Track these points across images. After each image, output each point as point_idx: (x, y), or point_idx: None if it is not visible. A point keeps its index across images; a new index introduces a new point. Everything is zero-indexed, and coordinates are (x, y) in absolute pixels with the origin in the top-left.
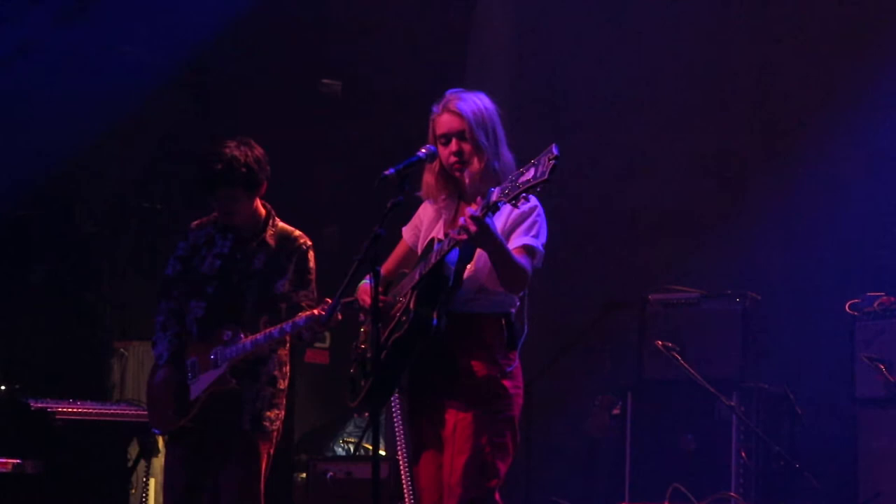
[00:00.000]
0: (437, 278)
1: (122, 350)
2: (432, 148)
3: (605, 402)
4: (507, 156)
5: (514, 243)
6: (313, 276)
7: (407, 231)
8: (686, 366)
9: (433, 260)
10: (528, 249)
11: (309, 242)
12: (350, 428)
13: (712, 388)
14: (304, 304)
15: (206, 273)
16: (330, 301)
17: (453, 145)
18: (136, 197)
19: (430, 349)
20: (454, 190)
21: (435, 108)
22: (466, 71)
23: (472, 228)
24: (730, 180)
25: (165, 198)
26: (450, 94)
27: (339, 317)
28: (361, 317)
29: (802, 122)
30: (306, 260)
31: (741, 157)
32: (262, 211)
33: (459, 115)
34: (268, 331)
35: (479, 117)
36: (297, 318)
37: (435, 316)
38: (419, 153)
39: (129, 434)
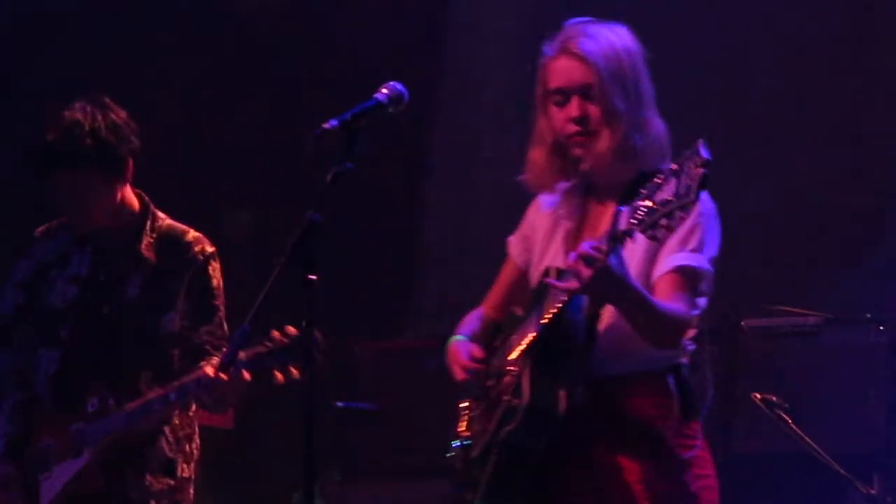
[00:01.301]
0: (559, 339)
1: None
2: (398, 86)
3: None
4: (656, 125)
5: (663, 266)
6: (220, 301)
7: (514, 244)
8: (800, 433)
9: (548, 315)
10: (685, 275)
11: (210, 249)
12: None
13: (842, 469)
14: (207, 348)
15: (56, 307)
16: (278, 336)
17: (574, 107)
18: None
19: (564, 443)
20: (578, 178)
21: (547, 49)
22: None
23: (585, 273)
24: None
25: None
26: (571, 25)
27: (247, 376)
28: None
29: None
30: (206, 277)
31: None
32: (135, 204)
33: (584, 59)
34: (146, 399)
35: (615, 64)
36: (184, 380)
37: (562, 397)
38: (377, 95)
39: None
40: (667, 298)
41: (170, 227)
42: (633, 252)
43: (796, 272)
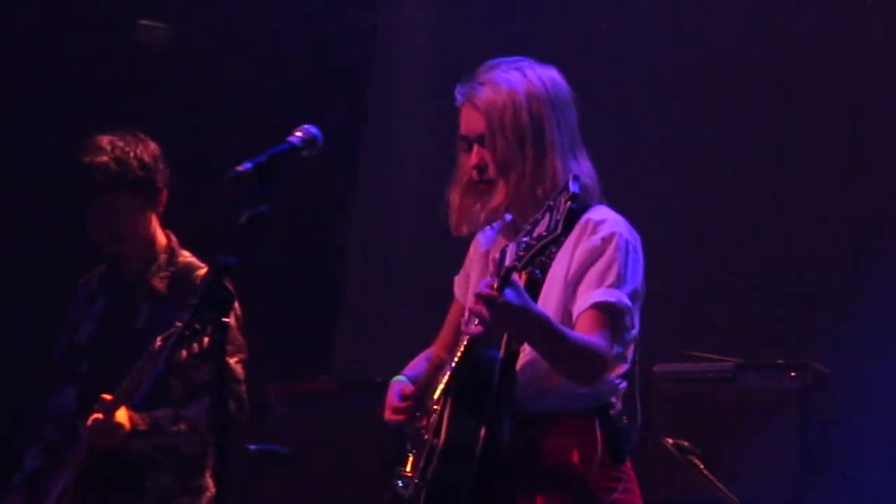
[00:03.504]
0: (476, 376)
1: None
2: (312, 130)
3: None
4: (567, 171)
5: (580, 303)
6: (228, 343)
7: (458, 283)
8: (712, 478)
9: (458, 351)
10: (603, 311)
11: None
12: None
13: None
14: (208, 387)
15: (80, 344)
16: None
17: (473, 155)
18: None
19: (487, 478)
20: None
21: (457, 94)
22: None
23: (485, 314)
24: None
25: None
26: (481, 69)
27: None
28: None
29: None
30: None
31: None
32: (162, 240)
33: (479, 109)
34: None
35: (506, 113)
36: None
37: (482, 434)
38: (291, 138)
39: None
40: (586, 335)
41: (187, 262)
42: (551, 291)
43: (709, 317)
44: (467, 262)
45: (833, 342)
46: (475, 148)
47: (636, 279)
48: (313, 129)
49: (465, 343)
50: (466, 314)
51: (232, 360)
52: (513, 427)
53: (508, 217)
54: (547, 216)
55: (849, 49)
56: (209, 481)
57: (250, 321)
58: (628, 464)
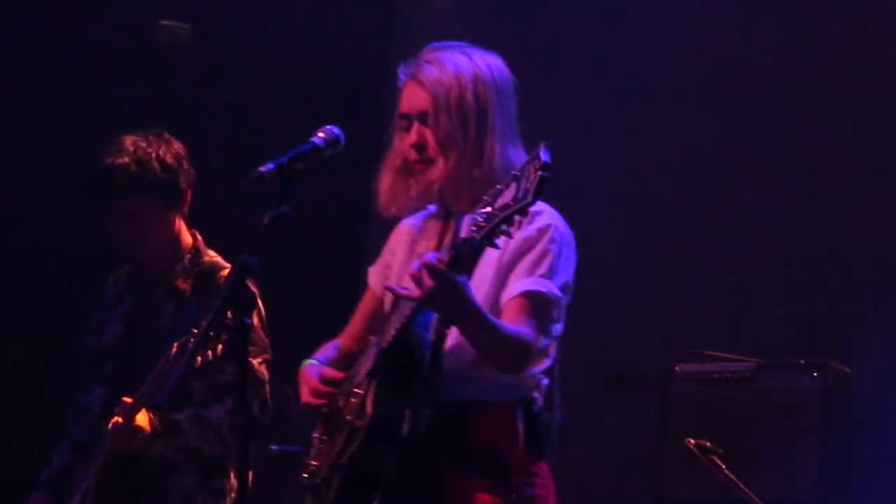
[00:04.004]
0: (404, 357)
1: None
2: (335, 130)
3: None
4: (507, 156)
5: (510, 290)
6: (251, 345)
7: (374, 273)
8: (733, 478)
9: (392, 330)
10: (532, 301)
11: None
12: None
13: None
14: (230, 388)
15: (107, 345)
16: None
17: (413, 133)
18: None
19: (410, 466)
20: (437, 202)
21: (401, 74)
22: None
23: (427, 283)
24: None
25: None
26: (427, 49)
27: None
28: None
29: None
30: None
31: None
32: (188, 241)
33: (424, 86)
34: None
35: (455, 93)
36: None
37: (407, 416)
38: (314, 139)
39: None
40: (513, 323)
41: (212, 262)
42: (483, 275)
43: (730, 317)
44: (386, 251)
45: (854, 342)
46: (415, 126)
47: (568, 273)
48: (336, 130)
49: (401, 321)
50: (390, 297)
51: (255, 361)
52: (435, 412)
53: (433, 208)
54: (513, 185)
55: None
56: (231, 483)
57: (271, 322)
58: (545, 463)
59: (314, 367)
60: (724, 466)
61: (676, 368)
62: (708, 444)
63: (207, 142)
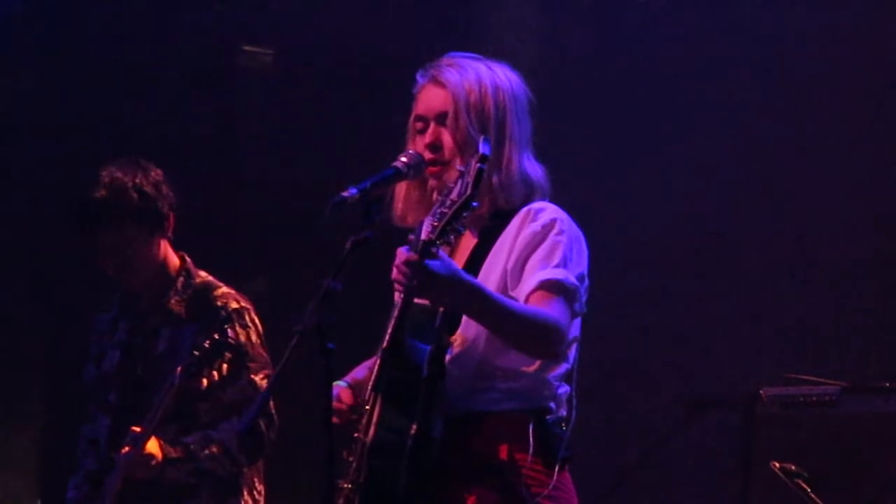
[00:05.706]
0: (404, 371)
1: None
2: (417, 155)
3: None
4: (523, 167)
5: (527, 284)
6: (249, 359)
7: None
8: (819, 502)
9: (386, 338)
10: (551, 289)
11: (235, 305)
12: None
13: None
14: (236, 407)
15: (107, 373)
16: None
17: (429, 134)
18: None
19: (421, 482)
20: None
21: (419, 77)
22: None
23: (409, 276)
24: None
25: None
26: (447, 55)
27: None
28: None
29: None
30: (230, 333)
31: None
32: (176, 263)
33: (445, 87)
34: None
35: (476, 97)
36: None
37: (412, 432)
38: (396, 163)
39: None
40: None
41: (204, 283)
42: (488, 280)
43: (816, 340)
44: None
45: None
46: (431, 127)
47: (581, 264)
48: (418, 154)
49: (392, 327)
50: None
51: (257, 378)
52: (445, 423)
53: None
54: (459, 182)
55: None
56: (247, 499)
57: (351, 348)
58: (567, 474)
59: (335, 389)
60: (809, 490)
61: (761, 392)
62: (793, 467)
63: (294, 163)
